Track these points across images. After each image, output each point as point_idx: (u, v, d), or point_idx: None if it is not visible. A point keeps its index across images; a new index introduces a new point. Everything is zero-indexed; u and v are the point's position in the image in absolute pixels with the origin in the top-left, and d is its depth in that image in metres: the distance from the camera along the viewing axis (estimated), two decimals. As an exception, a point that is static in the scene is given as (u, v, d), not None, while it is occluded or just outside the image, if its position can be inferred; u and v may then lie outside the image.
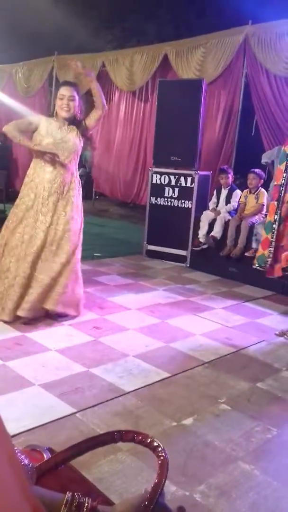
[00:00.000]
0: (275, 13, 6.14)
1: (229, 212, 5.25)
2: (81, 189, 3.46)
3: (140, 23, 11.08)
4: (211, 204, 5.49)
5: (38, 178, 3.26)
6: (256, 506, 1.73)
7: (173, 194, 5.62)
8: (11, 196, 6.95)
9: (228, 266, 5.05)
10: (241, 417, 2.31)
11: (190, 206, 5.52)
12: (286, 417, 2.35)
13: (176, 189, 5.61)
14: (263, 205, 5.10)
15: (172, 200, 5.63)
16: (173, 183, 5.61)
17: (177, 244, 5.56)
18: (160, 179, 5.68)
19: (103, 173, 9.06)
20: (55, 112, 3.34)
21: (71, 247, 3.29)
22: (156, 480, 0.80)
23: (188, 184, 5.53)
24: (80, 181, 3.51)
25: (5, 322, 3.18)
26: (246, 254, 4.86)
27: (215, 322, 3.66)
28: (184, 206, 5.56)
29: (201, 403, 2.41)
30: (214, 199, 5.50)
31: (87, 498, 0.78)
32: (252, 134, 6.61)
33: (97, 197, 10.19)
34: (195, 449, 2.04)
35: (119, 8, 11.13)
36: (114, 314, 3.64)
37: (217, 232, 5.13)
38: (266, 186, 5.42)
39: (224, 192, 5.42)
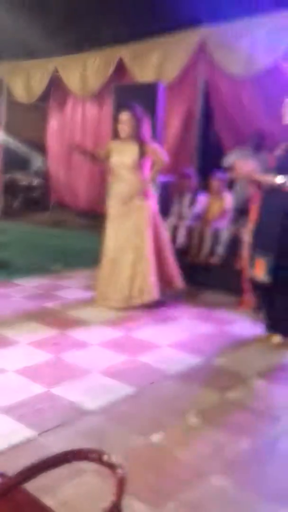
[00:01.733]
0: (230, 14, 6.34)
1: (192, 218, 5.32)
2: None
3: (94, 26, 11.17)
4: (174, 210, 5.55)
5: None
6: (229, 520, 1.74)
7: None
8: None
9: (193, 273, 5.10)
10: (211, 430, 2.33)
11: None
12: (256, 426, 2.39)
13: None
14: (227, 209, 5.21)
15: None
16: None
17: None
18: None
19: (61, 182, 9.02)
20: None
21: None
22: (114, 500, 0.79)
23: (150, 191, 5.56)
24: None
25: None
26: (211, 261, 4.93)
27: (181, 332, 3.69)
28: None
29: (169, 417, 2.42)
30: (177, 204, 5.57)
31: None
32: (213, 137, 6.76)
33: (54, 207, 10.12)
34: (163, 465, 2.04)
35: (71, 11, 11.18)
36: (75, 330, 3.61)
37: (181, 242, 5.18)
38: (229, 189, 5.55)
39: (186, 197, 5.50)
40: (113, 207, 4.31)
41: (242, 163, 3.78)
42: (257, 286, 3.44)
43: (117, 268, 4.17)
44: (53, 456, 0.93)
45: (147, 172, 4.22)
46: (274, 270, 3.26)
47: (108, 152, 4.34)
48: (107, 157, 4.33)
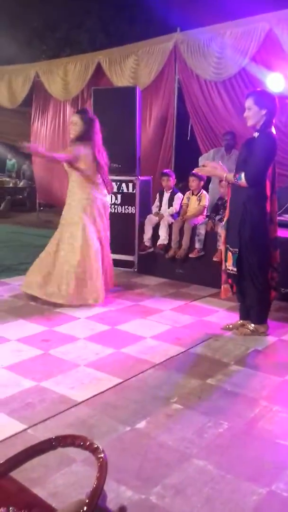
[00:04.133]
0: (202, 20, 6.34)
1: (172, 215, 5.33)
2: None
3: (73, 32, 11.07)
4: (154, 208, 5.55)
5: None
6: (211, 501, 1.76)
7: (116, 201, 5.63)
8: None
9: (174, 268, 5.12)
10: (193, 415, 2.35)
11: (133, 212, 5.55)
12: (236, 410, 2.41)
13: (119, 196, 5.62)
14: (205, 206, 5.22)
15: (116, 206, 5.64)
16: (115, 189, 5.62)
17: (123, 250, 5.57)
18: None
19: (47, 184, 8.94)
20: None
21: None
22: (95, 483, 0.79)
23: (130, 190, 5.56)
24: None
25: None
26: (190, 255, 4.95)
27: (164, 324, 3.70)
28: (128, 212, 5.59)
29: (154, 405, 2.43)
30: (157, 202, 5.57)
31: (22, 511, 0.76)
32: (188, 138, 6.77)
33: (41, 208, 10.04)
34: (149, 451, 2.05)
35: (50, 18, 11.06)
36: (63, 325, 3.59)
37: (163, 239, 5.18)
38: (206, 188, 5.57)
39: (166, 195, 5.50)
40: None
41: (207, 162, 3.80)
42: (230, 277, 3.49)
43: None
44: (39, 443, 0.92)
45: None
46: (238, 262, 3.33)
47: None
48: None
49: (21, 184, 12.10)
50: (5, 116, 9.48)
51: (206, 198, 5.23)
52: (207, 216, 5.20)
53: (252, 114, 3.26)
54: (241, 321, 3.58)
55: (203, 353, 3.15)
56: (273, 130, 3.31)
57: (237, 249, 3.32)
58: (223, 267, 3.53)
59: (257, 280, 3.35)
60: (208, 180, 5.79)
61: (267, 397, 2.55)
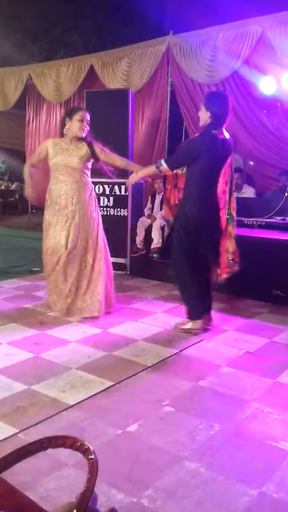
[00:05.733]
0: (194, 23, 6.38)
1: (164, 218, 5.34)
2: None
3: (65, 34, 11.07)
4: (147, 211, 5.57)
5: None
6: (202, 503, 1.76)
7: (109, 203, 5.64)
8: None
9: (167, 270, 5.13)
10: (185, 417, 2.35)
11: (126, 214, 5.56)
12: (227, 412, 2.42)
13: (111, 198, 5.63)
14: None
15: (108, 209, 5.65)
16: (107, 192, 5.63)
17: (116, 253, 5.55)
18: (94, 189, 5.66)
19: (39, 186, 8.91)
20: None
21: None
22: (86, 485, 0.79)
23: (123, 193, 5.57)
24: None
25: None
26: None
27: (156, 326, 3.70)
28: (120, 214, 5.60)
29: (145, 408, 2.43)
30: (149, 205, 5.60)
31: None
32: (182, 140, 6.79)
33: (33, 211, 10.01)
34: (140, 454, 2.05)
35: (43, 20, 11.06)
36: (55, 328, 3.58)
37: (156, 242, 5.19)
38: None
39: (158, 198, 5.52)
40: None
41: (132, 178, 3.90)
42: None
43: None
44: (29, 444, 0.92)
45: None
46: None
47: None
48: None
49: (13, 186, 12.06)
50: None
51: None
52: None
53: (200, 114, 3.41)
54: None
55: (195, 355, 3.16)
56: (225, 133, 3.37)
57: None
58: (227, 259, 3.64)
59: None
60: None
61: (259, 399, 2.56)
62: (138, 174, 3.70)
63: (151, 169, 3.58)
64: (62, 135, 3.94)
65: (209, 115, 3.31)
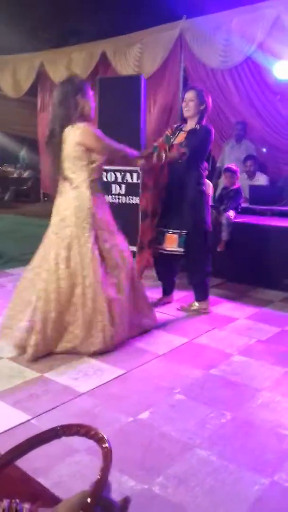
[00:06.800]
0: (208, 7, 6.24)
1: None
2: None
3: (77, 21, 10.94)
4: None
5: None
6: (213, 491, 1.77)
7: (120, 191, 5.61)
8: None
9: (176, 262, 5.09)
10: (196, 405, 2.35)
11: (138, 202, 5.53)
12: (238, 400, 2.41)
13: (123, 186, 5.60)
14: (209, 195, 5.19)
15: (120, 196, 5.62)
16: (119, 179, 5.60)
17: (127, 241, 5.54)
18: (106, 176, 5.64)
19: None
20: None
21: None
22: (100, 474, 0.79)
23: (135, 180, 5.53)
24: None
25: None
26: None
27: (168, 315, 3.70)
28: (132, 202, 5.57)
29: (157, 396, 2.43)
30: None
31: (26, 503, 0.76)
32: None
33: (45, 198, 10.02)
34: (152, 441, 2.06)
35: (54, 7, 10.94)
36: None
37: None
38: (209, 177, 5.52)
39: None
40: None
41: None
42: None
43: None
44: (43, 432, 0.92)
45: None
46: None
47: None
48: None
49: (25, 174, 12.07)
50: (10, 106, 9.44)
51: (210, 188, 5.19)
52: (211, 206, 5.16)
53: (194, 105, 3.67)
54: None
55: (206, 343, 3.15)
56: None
57: (186, 231, 3.53)
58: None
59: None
60: (219, 173, 5.80)
61: (270, 388, 2.55)
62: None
63: (177, 153, 3.61)
64: None
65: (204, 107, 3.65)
